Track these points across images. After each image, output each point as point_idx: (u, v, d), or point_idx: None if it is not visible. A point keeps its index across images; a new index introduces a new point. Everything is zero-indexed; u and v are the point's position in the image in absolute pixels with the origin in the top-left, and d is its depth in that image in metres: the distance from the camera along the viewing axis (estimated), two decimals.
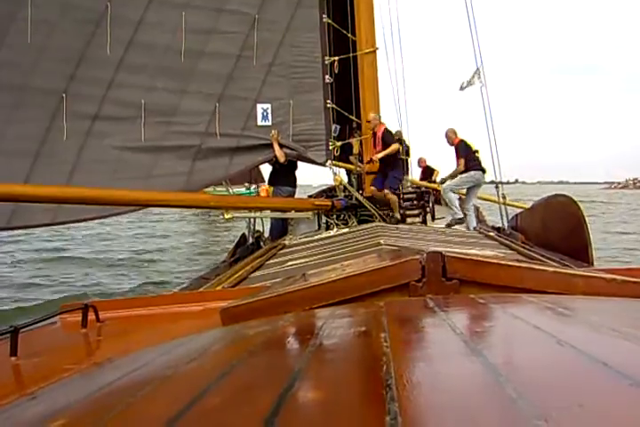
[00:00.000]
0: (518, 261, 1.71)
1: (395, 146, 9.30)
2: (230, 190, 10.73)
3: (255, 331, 1.18)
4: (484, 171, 9.91)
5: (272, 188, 10.00)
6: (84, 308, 1.96)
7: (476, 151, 9.91)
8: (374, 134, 9.43)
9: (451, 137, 9.93)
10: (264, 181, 13.50)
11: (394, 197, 9.24)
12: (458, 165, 9.83)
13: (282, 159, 9.05)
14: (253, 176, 13.04)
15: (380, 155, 9.15)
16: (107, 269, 12.74)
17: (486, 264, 1.47)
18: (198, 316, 2.22)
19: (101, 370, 1.17)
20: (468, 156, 9.71)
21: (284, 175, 9.70)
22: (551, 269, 1.48)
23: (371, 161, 9.47)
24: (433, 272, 1.39)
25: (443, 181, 10.41)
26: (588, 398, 0.55)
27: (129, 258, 14.32)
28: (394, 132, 10.30)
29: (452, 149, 9.91)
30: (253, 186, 15.12)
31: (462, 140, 9.85)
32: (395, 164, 9.55)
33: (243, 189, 21.48)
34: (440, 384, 0.63)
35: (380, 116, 9.55)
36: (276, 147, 9.00)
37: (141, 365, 1.02)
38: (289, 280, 2.23)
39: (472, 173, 9.73)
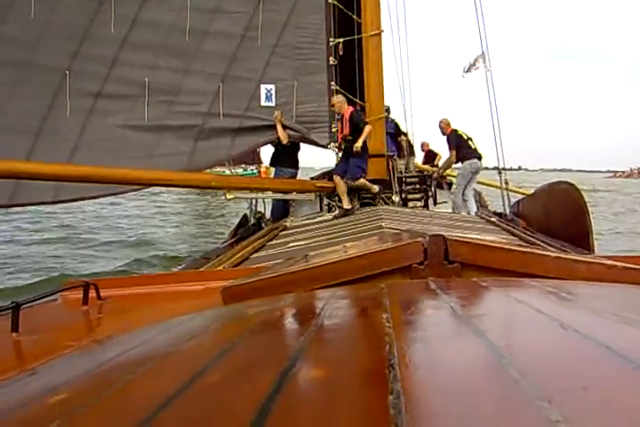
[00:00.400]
0: (520, 246, 1.71)
1: (367, 128, 8.68)
2: (229, 171, 10.73)
3: (256, 310, 1.18)
4: (480, 157, 10.04)
5: (274, 169, 9.98)
6: (85, 285, 1.96)
7: (470, 139, 10.07)
8: (342, 117, 8.94)
9: (443, 127, 10.17)
10: (262, 162, 13.46)
11: (341, 185, 8.61)
12: (450, 155, 10.09)
13: (284, 140, 8.99)
14: (252, 157, 12.98)
15: (359, 142, 8.56)
16: (105, 249, 12.74)
17: (488, 248, 1.47)
18: (199, 295, 2.23)
19: (102, 347, 1.18)
20: (460, 145, 9.89)
21: (286, 156, 9.66)
22: (553, 254, 1.48)
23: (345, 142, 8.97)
24: (435, 255, 1.39)
25: (428, 173, 10.57)
26: (591, 381, 0.55)
27: (128, 239, 14.30)
28: (385, 107, 10.26)
29: (445, 139, 10.14)
30: (252, 166, 15.07)
31: (454, 130, 10.07)
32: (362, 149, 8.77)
33: (240, 170, 21.42)
34: (443, 365, 0.63)
35: (344, 99, 8.87)
36: (280, 128, 8.95)
37: (142, 342, 1.02)
38: (290, 261, 2.23)
39: (467, 163, 9.93)
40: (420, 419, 0.48)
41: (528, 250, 1.48)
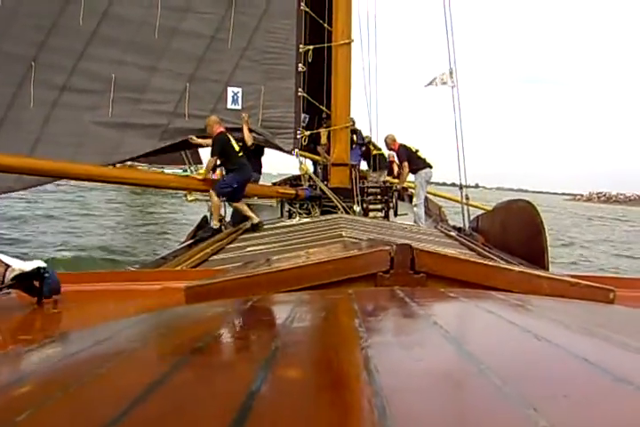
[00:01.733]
0: (483, 260, 1.72)
1: (211, 161, 8.28)
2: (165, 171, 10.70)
3: (223, 310, 1.16)
4: (430, 166, 10.40)
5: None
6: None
7: (417, 151, 10.45)
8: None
9: (390, 143, 10.64)
10: (201, 163, 13.36)
11: (215, 200, 8.14)
12: (402, 168, 10.48)
13: (249, 142, 8.90)
14: (190, 157, 12.85)
15: (207, 172, 8.49)
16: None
17: (454, 260, 1.47)
18: (157, 294, 2.20)
19: (65, 340, 1.14)
20: (410, 157, 10.28)
21: (250, 161, 9.62)
22: (517, 269, 1.49)
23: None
24: (401, 264, 1.39)
25: (389, 185, 10.81)
26: (571, 389, 0.55)
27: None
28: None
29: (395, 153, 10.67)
30: (191, 167, 14.88)
31: (402, 145, 10.48)
32: (231, 171, 8.25)
33: (180, 171, 20.93)
34: (422, 370, 0.62)
35: (217, 120, 8.30)
36: (246, 130, 8.84)
37: (107, 337, 1.00)
38: (252, 264, 2.22)
39: (421, 172, 10.28)
40: (407, 421, 0.47)
41: (493, 264, 1.49)
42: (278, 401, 0.53)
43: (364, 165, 12.03)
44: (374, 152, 11.77)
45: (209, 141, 8.30)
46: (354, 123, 11.19)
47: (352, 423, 0.48)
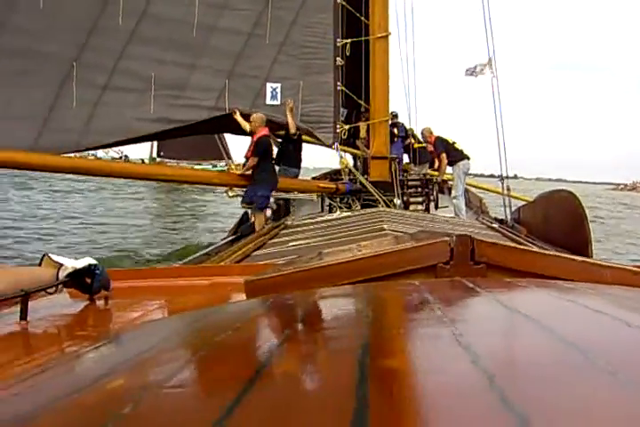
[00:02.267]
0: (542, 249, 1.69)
1: (251, 160, 8.27)
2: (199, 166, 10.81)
3: (293, 302, 1.17)
4: (468, 158, 10.40)
5: (278, 167, 9.98)
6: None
7: (454, 143, 10.46)
8: (252, 137, 8.51)
9: (427, 136, 10.66)
10: (231, 158, 13.36)
11: (260, 218, 8.24)
12: (440, 160, 10.46)
13: (293, 130, 8.90)
14: (221, 152, 12.88)
15: (246, 170, 8.38)
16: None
17: (515, 250, 1.46)
18: (205, 290, 2.23)
19: (134, 334, 1.15)
20: (447, 150, 10.28)
21: (290, 156, 9.68)
22: (579, 258, 1.47)
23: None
24: (461, 255, 1.38)
25: (430, 177, 10.74)
26: None
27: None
28: (392, 113, 10.37)
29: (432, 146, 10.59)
30: (222, 162, 14.75)
31: (438, 137, 10.48)
32: (261, 176, 8.30)
33: (209, 167, 20.54)
34: (530, 358, 0.60)
35: (263, 120, 8.37)
36: (290, 117, 8.84)
37: (175, 332, 1.01)
38: (303, 258, 2.22)
39: (459, 164, 10.28)
40: (538, 407, 0.46)
41: (554, 253, 1.47)
42: (390, 391, 0.52)
43: (406, 159, 11.99)
44: (416, 145, 11.68)
45: (247, 125, 8.43)
46: (395, 116, 11.16)
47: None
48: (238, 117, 8.68)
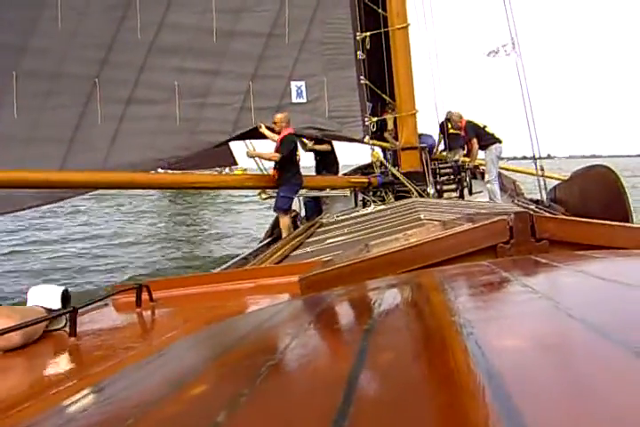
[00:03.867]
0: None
1: (276, 156, 8.09)
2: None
3: (362, 294, 1.14)
4: (500, 141, 10.24)
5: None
6: (137, 288, 1.95)
7: (485, 126, 10.29)
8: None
9: (456, 121, 10.53)
10: (237, 164, 13.36)
11: (284, 220, 8.17)
12: (471, 145, 10.29)
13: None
14: (233, 158, 12.85)
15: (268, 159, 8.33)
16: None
17: (576, 223, 1.43)
18: (251, 292, 2.21)
19: (217, 331, 1.14)
20: (478, 134, 10.14)
21: (329, 163, 9.83)
22: None
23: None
24: (522, 233, 1.35)
25: (461, 164, 10.59)
26: None
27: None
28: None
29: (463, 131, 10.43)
30: (226, 169, 14.63)
31: (468, 122, 10.33)
32: (285, 177, 8.17)
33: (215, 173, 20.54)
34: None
35: (288, 119, 8.21)
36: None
37: (251, 330, 0.99)
38: (351, 251, 2.20)
39: (491, 148, 10.11)
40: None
41: (616, 224, 1.43)
42: (533, 377, 0.50)
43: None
44: (451, 131, 11.49)
45: (275, 136, 8.35)
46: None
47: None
48: (265, 131, 8.59)
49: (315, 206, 9.86)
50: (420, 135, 11.16)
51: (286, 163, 8.11)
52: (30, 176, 7.24)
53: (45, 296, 1.71)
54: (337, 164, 10.29)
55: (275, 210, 8.41)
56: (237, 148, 10.31)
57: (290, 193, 8.23)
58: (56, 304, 1.69)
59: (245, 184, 9.01)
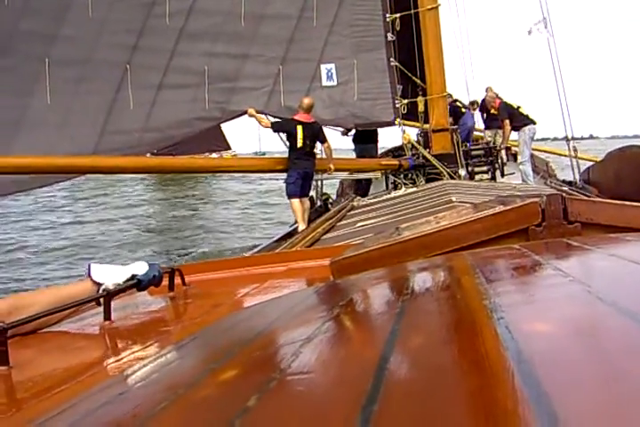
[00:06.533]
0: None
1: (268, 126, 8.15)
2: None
3: (393, 277, 1.15)
4: (534, 122, 10.12)
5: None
6: (170, 271, 1.95)
7: (519, 107, 10.17)
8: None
9: (490, 102, 10.56)
10: (230, 148, 13.33)
11: (294, 205, 8.13)
12: (504, 126, 10.17)
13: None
14: (227, 142, 12.76)
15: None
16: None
17: (609, 205, 1.41)
18: (282, 276, 2.21)
19: (245, 317, 1.15)
20: (512, 114, 10.01)
21: (367, 135, 9.98)
22: None
23: None
24: (554, 215, 1.34)
25: (493, 145, 10.48)
26: None
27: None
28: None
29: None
30: (223, 153, 14.48)
31: (502, 102, 10.27)
32: (288, 164, 8.15)
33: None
34: None
35: (309, 106, 8.05)
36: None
37: (283, 313, 1.00)
38: (383, 235, 2.19)
39: (525, 129, 10.01)
40: None
41: None
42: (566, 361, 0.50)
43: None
44: (492, 111, 11.32)
45: (265, 121, 8.41)
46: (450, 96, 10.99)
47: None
48: (255, 115, 8.58)
49: (366, 187, 9.91)
50: (464, 112, 11.09)
51: (290, 149, 8.09)
52: (36, 162, 7.25)
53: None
54: (376, 134, 10.38)
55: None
56: (230, 132, 10.29)
57: (289, 179, 8.11)
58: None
59: (257, 168, 9.00)
